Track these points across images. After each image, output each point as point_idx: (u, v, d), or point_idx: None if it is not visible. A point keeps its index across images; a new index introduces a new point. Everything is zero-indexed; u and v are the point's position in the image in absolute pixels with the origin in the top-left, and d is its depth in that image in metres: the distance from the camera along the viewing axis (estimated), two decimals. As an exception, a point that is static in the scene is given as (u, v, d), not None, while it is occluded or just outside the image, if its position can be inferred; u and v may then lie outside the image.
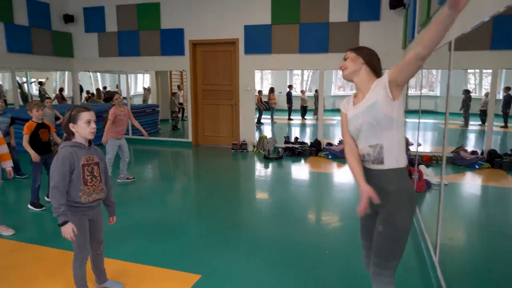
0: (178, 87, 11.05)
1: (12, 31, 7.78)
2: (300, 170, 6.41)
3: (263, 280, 2.79)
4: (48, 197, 4.48)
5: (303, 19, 7.27)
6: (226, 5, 7.72)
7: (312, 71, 12.20)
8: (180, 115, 11.00)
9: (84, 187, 2.26)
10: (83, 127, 2.22)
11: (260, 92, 11.70)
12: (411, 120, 5.12)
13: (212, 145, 8.46)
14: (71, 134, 2.26)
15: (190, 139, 8.56)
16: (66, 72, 9.45)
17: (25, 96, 8.73)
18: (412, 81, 6.53)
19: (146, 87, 11.48)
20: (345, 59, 1.92)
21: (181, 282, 2.76)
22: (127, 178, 5.46)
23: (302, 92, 12.09)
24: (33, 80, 9.42)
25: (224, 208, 4.44)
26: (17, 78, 8.33)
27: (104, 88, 11.13)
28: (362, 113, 1.80)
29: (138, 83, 11.57)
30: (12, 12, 7.77)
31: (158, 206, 4.58)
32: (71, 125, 2.22)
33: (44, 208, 4.28)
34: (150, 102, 11.32)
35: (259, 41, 7.59)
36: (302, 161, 6.94)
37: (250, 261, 3.09)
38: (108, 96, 5.33)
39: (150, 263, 3.03)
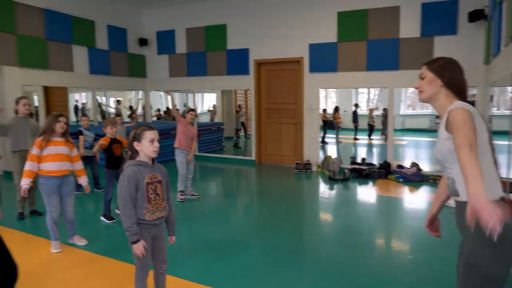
0: (239, 106, 11.23)
1: (94, 54, 8.50)
2: (368, 193, 6.05)
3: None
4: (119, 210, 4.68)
5: (371, 36, 7.01)
6: (291, 25, 7.73)
7: (379, 89, 11.72)
8: (242, 133, 11.13)
9: (148, 205, 2.27)
10: (147, 146, 2.24)
11: (324, 110, 11.48)
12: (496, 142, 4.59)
13: (275, 163, 8.37)
14: (135, 153, 2.29)
15: (253, 157, 8.57)
16: (140, 92, 10.06)
17: (103, 114, 9.43)
18: (495, 100, 5.94)
19: (212, 106, 11.82)
20: (421, 78, 1.72)
21: (243, 308, 2.64)
22: (192, 195, 5.55)
23: (371, 110, 11.62)
24: (112, 99, 10.21)
25: (287, 228, 4.28)
26: (97, 97, 9.04)
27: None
28: (436, 144, 1.67)
29: (205, 101, 11.98)
30: (95, 38, 8.51)
31: (222, 223, 4.55)
32: (135, 144, 2.25)
33: (114, 220, 4.46)
34: (215, 120, 11.63)
35: (324, 59, 7.45)
36: (370, 183, 6.56)
37: (316, 291, 2.89)
38: (184, 112, 5.50)
39: (212, 284, 2.95)
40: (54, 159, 3.50)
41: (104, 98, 9.74)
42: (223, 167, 8.41)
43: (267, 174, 7.56)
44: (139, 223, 2.27)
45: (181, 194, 5.40)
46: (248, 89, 8.59)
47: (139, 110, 10.23)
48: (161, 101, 11.57)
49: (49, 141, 3.49)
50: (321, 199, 5.88)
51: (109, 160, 4.43)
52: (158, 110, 11.33)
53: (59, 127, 3.53)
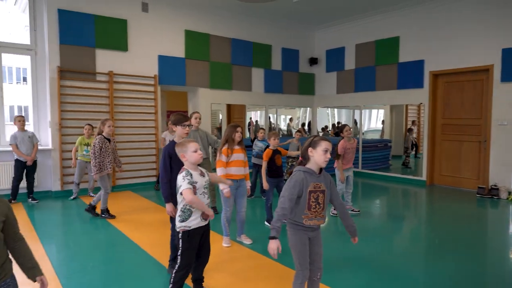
0: (413, 122, 10.35)
1: (269, 75, 9.36)
2: None
3: None
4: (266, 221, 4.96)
5: None
6: (478, 30, 6.77)
7: None
8: (413, 152, 10.22)
9: (307, 212, 2.34)
10: (320, 154, 2.31)
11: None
12: None
13: (451, 186, 7.38)
14: (306, 159, 2.38)
15: (424, 178, 7.78)
16: (308, 109, 10.50)
17: (273, 129, 10.23)
18: None
19: (381, 122, 11.31)
20: None
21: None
22: (352, 210, 5.41)
23: None
24: (282, 117, 10.96)
25: (460, 262, 3.68)
26: (269, 115, 9.89)
27: (338, 123, 11.69)
28: None
29: (372, 118, 11.56)
30: (271, 60, 9.38)
31: (381, 243, 4.27)
32: (309, 150, 2.35)
33: None
34: (384, 137, 11.08)
35: (523, 65, 6.22)
36: None
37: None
38: (339, 129, 5.47)
39: None
40: (235, 164, 4.00)
41: (275, 116, 10.56)
42: (388, 186, 7.90)
43: (440, 198, 6.71)
44: (297, 225, 2.37)
45: (335, 209, 5.38)
46: (421, 103, 7.89)
47: (306, 127, 10.64)
48: (328, 118, 11.77)
49: (233, 149, 3.99)
50: (512, 232, 4.84)
51: (270, 169, 4.77)
52: (326, 127, 11.54)
53: (238, 136, 4.00)
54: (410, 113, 10.73)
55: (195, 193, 2.55)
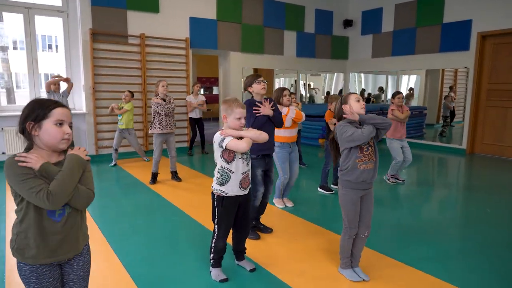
0: (451, 88, 9.86)
1: (302, 38, 8.99)
2: None
3: None
4: (334, 184, 4.81)
5: None
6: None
7: None
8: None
9: (361, 155, 2.39)
10: (354, 105, 2.43)
11: None
12: None
13: (494, 155, 7.07)
14: (341, 117, 2.51)
15: (463, 146, 7.48)
16: (335, 74, 10.12)
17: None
18: None
19: (408, 89, 10.83)
20: None
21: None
22: (396, 178, 5.26)
23: None
24: (304, 83, 10.62)
25: (497, 228, 3.54)
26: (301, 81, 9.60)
27: (363, 90, 11.22)
28: None
29: (403, 85, 11.08)
30: (304, 22, 8.98)
31: (416, 209, 4.15)
32: (344, 106, 2.46)
33: (332, 192, 4.62)
34: (415, 104, 10.64)
35: None
36: None
37: None
38: (392, 96, 5.18)
39: (402, 261, 2.85)
40: (287, 127, 3.83)
41: (301, 82, 10.20)
42: (422, 154, 7.61)
43: (482, 167, 6.47)
44: (350, 182, 2.42)
45: (392, 177, 5.22)
46: (465, 67, 7.45)
47: (332, 93, 10.25)
48: (355, 85, 11.32)
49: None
50: None
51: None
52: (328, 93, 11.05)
53: (286, 100, 3.80)
54: (447, 79, 10.20)
55: (233, 157, 2.35)
